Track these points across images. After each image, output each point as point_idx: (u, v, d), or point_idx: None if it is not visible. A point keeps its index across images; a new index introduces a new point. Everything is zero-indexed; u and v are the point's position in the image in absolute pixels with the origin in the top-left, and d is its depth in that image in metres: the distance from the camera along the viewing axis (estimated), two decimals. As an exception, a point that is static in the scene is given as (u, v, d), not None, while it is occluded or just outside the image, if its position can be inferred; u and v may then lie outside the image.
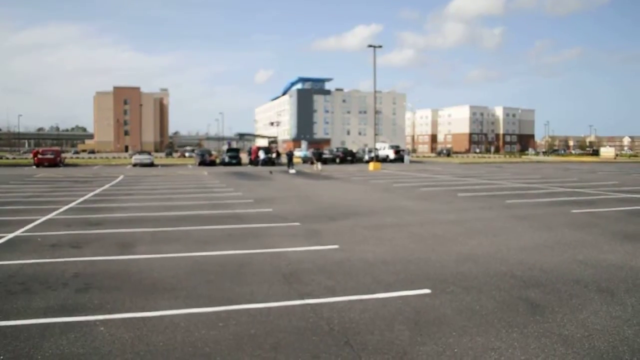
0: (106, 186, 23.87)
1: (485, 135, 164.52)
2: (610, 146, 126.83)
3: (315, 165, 40.17)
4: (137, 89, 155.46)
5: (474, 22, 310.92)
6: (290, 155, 42.06)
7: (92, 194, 19.97)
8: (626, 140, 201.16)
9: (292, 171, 37.48)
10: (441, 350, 4.63)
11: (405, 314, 5.59)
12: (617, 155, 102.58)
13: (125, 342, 4.76)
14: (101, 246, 9.38)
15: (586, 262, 8.07)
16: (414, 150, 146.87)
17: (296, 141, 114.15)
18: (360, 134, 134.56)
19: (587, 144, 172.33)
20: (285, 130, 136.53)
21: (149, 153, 56.25)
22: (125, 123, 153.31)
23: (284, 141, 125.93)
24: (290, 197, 18.64)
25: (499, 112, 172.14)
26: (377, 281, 6.90)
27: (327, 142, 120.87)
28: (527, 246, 9.39)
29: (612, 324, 5.31)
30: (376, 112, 53.84)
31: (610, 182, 26.85)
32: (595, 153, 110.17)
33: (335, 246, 9.25)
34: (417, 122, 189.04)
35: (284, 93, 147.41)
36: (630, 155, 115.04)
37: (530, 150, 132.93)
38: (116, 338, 4.86)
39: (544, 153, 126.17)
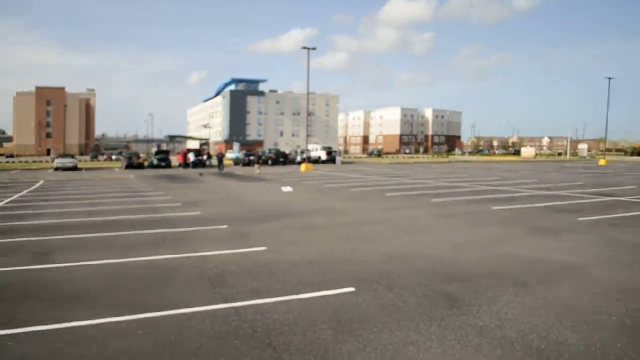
0: (24, 192, 22.62)
1: (415, 136, 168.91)
2: (530, 146, 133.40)
3: (256, 168, 39.57)
4: (62, 89, 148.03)
5: (405, 27, 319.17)
6: (220, 157, 41.59)
7: (7, 200, 18.87)
8: (545, 141, 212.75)
9: (222, 172, 37.15)
10: (362, 347, 4.71)
11: (328, 313, 5.65)
12: (536, 154, 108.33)
13: (33, 358, 4.52)
14: (16, 256, 8.87)
15: (504, 256, 8.47)
16: (346, 152, 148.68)
17: (228, 143, 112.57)
18: (293, 135, 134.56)
19: (510, 144, 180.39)
20: (217, 132, 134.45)
21: (73, 156, 53.75)
22: (48, 125, 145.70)
23: (216, 143, 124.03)
24: (220, 200, 18.40)
25: (429, 114, 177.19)
26: (303, 282, 6.93)
27: (260, 143, 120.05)
28: (449, 243, 9.72)
29: (523, 314, 5.59)
30: (309, 113, 54.14)
31: (529, 180, 28.29)
32: (517, 153, 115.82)
33: (263, 248, 9.21)
34: (349, 124, 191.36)
35: (217, 94, 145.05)
36: (549, 155, 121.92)
37: (457, 151, 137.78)
38: (24, 354, 4.61)
39: (470, 153, 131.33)
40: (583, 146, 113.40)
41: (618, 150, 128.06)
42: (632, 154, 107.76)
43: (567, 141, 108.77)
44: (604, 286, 6.68)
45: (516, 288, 6.60)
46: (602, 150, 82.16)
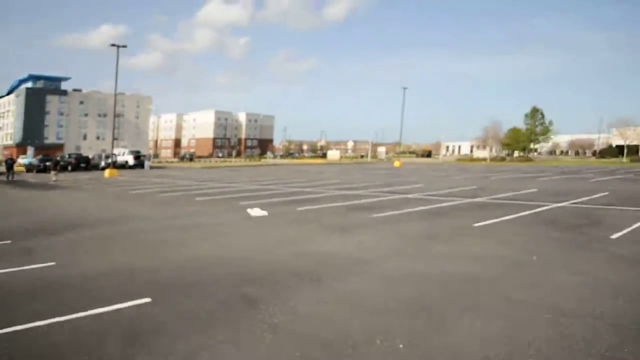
0: None
1: (229, 139, 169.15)
2: (337, 149, 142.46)
3: (52, 175, 35.32)
4: None
5: (222, 30, 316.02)
6: (10, 163, 37.22)
7: None
8: (350, 144, 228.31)
9: (11, 179, 33.32)
10: (154, 358, 4.56)
11: (120, 327, 5.36)
12: (342, 157, 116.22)
13: None
14: None
15: (302, 255, 8.90)
16: (157, 155, 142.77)
17: (21, 147, 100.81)
18: (98, 138, 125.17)
19: (319, 147, 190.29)
20: (8, 135, 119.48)
21: None
22: None
23: (6, 147, 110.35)
24: (5, 212, 16.37)
25: (242, 117, 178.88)
26: (95, 296, 6.48)
27: (60, 147, 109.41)
28: (252, 245, 9.93)
29: (316, 308, 5.94)
30: (117, 115, 51.01)
31: (333, 181, 30.18)
32: (324, 156, 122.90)
33: (52, 263, 8.41)
34: (161, 127, 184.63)
35: (10, 92, 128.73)
36: (353, 157, 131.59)
37: (269, 154, 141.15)
38: None
39: (281, 156, 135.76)
40: (382, 149, 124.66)
41: (411, 152, 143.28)
42: (422, 155, 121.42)
43: (369, 145, 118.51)
44: (392, 275, 7.39)
45: (311, 284, 6.98)
46: (397, 153, 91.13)
